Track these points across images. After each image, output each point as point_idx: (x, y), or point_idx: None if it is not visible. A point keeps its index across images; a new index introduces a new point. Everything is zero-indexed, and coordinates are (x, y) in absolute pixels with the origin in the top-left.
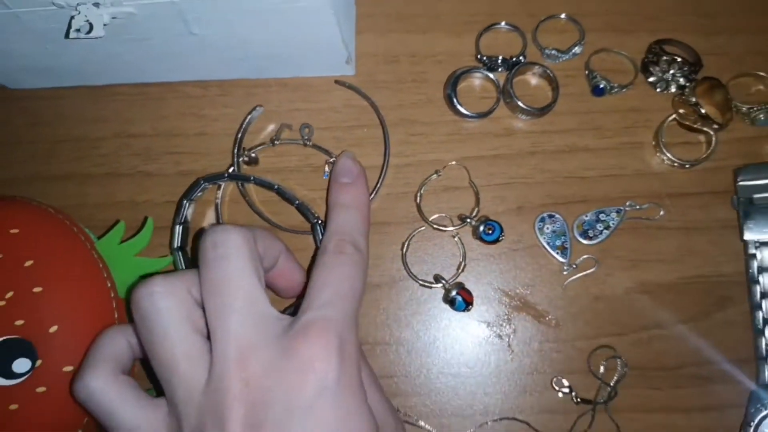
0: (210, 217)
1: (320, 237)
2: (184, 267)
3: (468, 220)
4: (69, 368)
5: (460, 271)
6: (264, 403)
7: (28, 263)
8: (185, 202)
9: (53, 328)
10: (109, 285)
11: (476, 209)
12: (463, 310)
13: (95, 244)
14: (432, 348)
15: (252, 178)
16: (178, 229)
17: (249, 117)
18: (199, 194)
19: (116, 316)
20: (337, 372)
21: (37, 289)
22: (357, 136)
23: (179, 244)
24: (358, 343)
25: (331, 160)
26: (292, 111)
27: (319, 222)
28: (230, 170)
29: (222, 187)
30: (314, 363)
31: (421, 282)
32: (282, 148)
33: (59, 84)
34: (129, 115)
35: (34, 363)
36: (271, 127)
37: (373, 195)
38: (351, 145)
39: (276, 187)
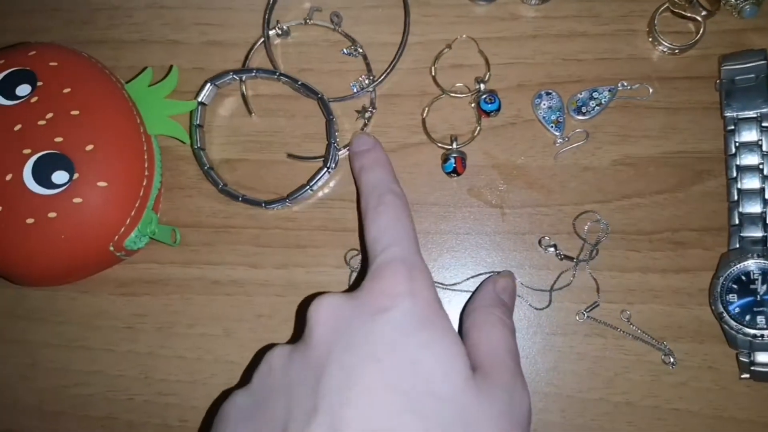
0: (229, 109)
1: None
2: (199, 143)
3: (482, 83)
4: (103, 183)
5: (475, 134)
6: (350, 346)
7: (66, 90)
8: (209, 83)
9: (89, 147)
10: (138, 121)
11: (488, 73)
12: (449, 173)
13: (125, 86)
14: (434, 209)
15: (278, 72)
16: (198, 108)
17: None
18: (227, 82)
19: (145, 147)
20: (410, 299)
21: (74, 112)
22: (373, 15)
23: (198, 122)
24: (429, 274)
25: (354, 47)
26: None
27: (319, 96)
28: (260, 41)
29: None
30: (386, 297)
31: (439, 144)
32: (312, 28)
33: None
34: None
35: (71, 176)
36: (293, 6)
37: (392, 67)
38: (367, 22)
39: (278, 74)
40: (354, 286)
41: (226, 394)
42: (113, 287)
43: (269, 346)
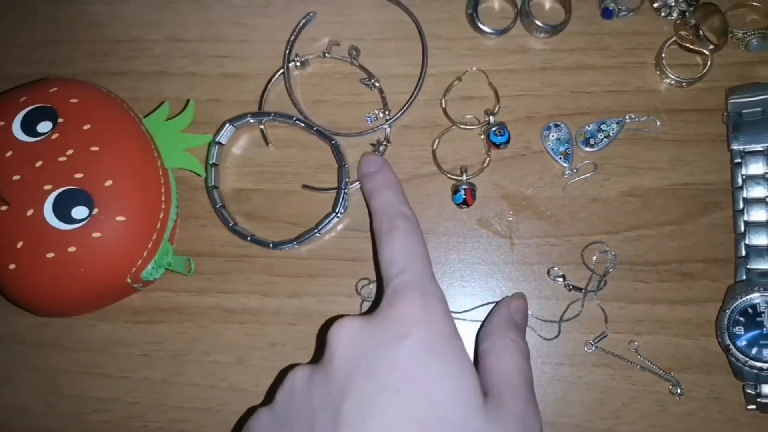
0: (243, 141)
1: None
2: (213, 181)
3: (491, 116)
4: (121, 218)
5: (484, 166)
6: (369, 374)
7: (86, 127)
8: (227, 124)
9: (108, 183)
10: (156, 154)
11: (497, 105)
12: (459, 204)
13: (143, 120)
14: (444, 239)
15: (294, 117)
16: (215, 147)
17: (303, 22)
18: (244, 123)
19: (162, 181)
20: (425, 327)
21: (94, 149)
22: (384, 48)
23: (214, 161)
24: (444, 298)
25: (370, 81)
26: (325, 23)
27: (334, 142)
28: (279, 73)
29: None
30: (402, 324)
31: (449, 175)
32: (327, 60)
33: None
34: (180, 21)
35: (91, 211)
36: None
37: (410, 102)
38: (379, 56)
39: (294, 119)
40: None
41: (250, 412)
42: (129, 315)
43: (291, 366)
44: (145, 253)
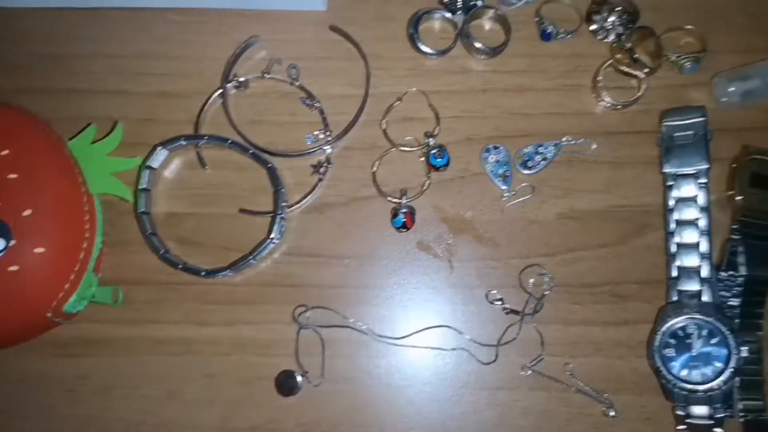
0: (177, 164)
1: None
2: (143, 207)
3: (431, 138)
4: (40, 249)
5: (424, 188)
6: None
7: (4, 152)
8: (159, 147)
9: (27, 212)
10: (80, 180)
11: (437, 127)
12: (398, 228)
13: (67, 143)
14: (383, 262)
15: (229, 140)
16: (145, 172)
17: (244, 45)
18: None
19: (86, 209)
20: None
21: (12, 176)
22: (323, 67)
23: (144, 186)
24: None
25: (311, 101)
26: (266, 41)
27: (269, 165)
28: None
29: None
30: None
31: (389, 198)
32: (269, 81)
33: (47, 4)
34: (112, 36)
35: (7, 243)
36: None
37: (353, 123)
38: (319, 75)
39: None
40: (303, 342)
41: None
42: (54, 348)
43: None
44: (66, 286)
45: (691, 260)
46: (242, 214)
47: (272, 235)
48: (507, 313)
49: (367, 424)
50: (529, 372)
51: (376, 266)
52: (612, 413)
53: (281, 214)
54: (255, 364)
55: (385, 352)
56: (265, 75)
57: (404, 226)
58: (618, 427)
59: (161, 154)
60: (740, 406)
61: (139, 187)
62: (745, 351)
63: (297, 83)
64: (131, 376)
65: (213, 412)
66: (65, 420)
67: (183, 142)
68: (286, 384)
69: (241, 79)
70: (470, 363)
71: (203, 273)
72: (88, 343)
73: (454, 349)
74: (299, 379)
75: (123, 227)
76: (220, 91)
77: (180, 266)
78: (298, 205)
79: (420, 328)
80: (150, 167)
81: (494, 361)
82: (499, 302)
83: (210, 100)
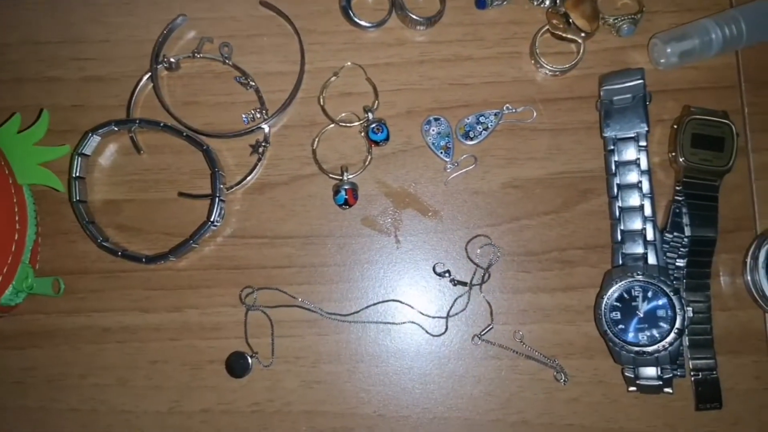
0: (111, 150)
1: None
2: (78, 195)
3: (370, 113)
4: None
5: (366, 164)
6: None
7: None
8: (90, 134)
9: None
10: (6, 171)
11: (376, 101)
12: (341, 205)
13: None
14: (329, 240)
15: (162, 123)
16: (77, 159)
17: (171, 24)
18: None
19: (15, 200)
20: None
21: None
22: (256, 44)
23: (77, 174)
24: None
25: (245, 79)
26: (195, 20)
27: (205, 147)
28: (146, 76)
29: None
30: None
31: (330, 175)
32: (201, 61)
33: None
34: (35, 22)
35: None
36: (185, 36)
37: (289, 101)
38: (252, 53)
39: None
40: (251, 324)
41: None
42: None
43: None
44: (0, 279)
45: (635, 223)
46: (181, 198)
47: (212, 218)
48: (455, 285)
49: (320, 401)
50: (480, 342)
51: (321, 244)
52: (563, 378)
53: (220, 196)
54: (203, 347)
55: (334, 329)
56: (196, 54)
57: (347, 203)
58: (570, 391)
59: (93, 141)
60: (691, 365)
61: (73, 175)
62: (690, 311)
63: (230, 62)
64: (79, 365)
65: (164, 397)
66: (15, 413)
67: (114, 128)
68: (236, 366)
69: (172, 59)
70: (420, 336)
71: (144, 259)
72: (32, 335)
73: (403, 323)
74: (249, 360)
75: (59, 217)
76: (150, 73)
77: (120, 254)
78: (237, 186)
79: (368, 304)
80: (83, 154)
81: (444, 332)
82: (447, 274)
83: (141, 83)
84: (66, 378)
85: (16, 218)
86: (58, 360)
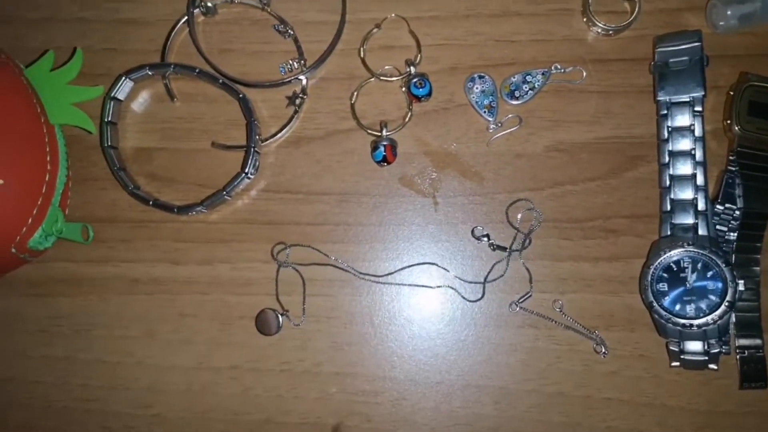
0: (144, 96)
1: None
2: (109, 141)
3: (412, 67)
4: None
5: (407, 120)
6: None
7: None
8: (123, 78)
9: None
10: (39, 110)
11: (419, 55)
12: (379, 162)
13: (24, 71)
14: (364, 199)
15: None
16: (110, 103)
17: None
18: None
19: (46, 139)
20: None
21: None
22: None
23: (109, 119)
24: None
25: (284, 28)
26: None
27: (241, 96)
28: (183, 20)
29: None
30: None
31: (369, 131)
32: (239, 6)
33: None
34: None
35: None
36: None
37: (329, 52)
38: (292, 0)
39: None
40: (282, 281)
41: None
42: (25, 288)
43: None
44: (30, 220)
45: (685, 193)
46: (215, 149)
47: (246, 170)
48: (494, 250)
49: (350, 363)
50: (518, 309)
51: (357, 203)
52: (603, 350)
53: (255, 147)
54: (233, 303)
55: (367, 290)
56: (234, 0)
57: (385, 160)
58: (609, 364)
59: (126, 85)
60: (737, 343)
61: (104, 119)
62: (741, 284)
63: (268, 9)
64: (107, 316)
65: (192, 351)
66: (40, 362)
67: (149, 72)
68: (266, 323)
69: (209, 3)
70: (456, 300)
71: (176, 210)
72: (60, 283)
73: (439, 287)
74: (280, 318)
75: (90, 163)
76: (186, 17)
77: (151, 203)
78: (273, 138)
79: (403, 266)
80: (115, 98)
81: (481, 298)
82: (486, 238)
83: (176, 28)
84: (93, 328)
85: (48, 158)
86: (84, 310)
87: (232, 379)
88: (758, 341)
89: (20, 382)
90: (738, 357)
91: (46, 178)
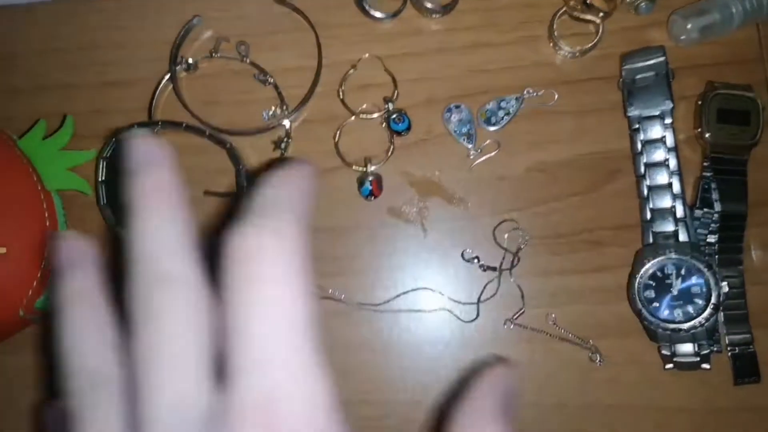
0: None
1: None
2: (104, 200)
3: (390, 103)
4: (1, 250)
5: (389, 154)
6: None
7: None
8: (114, 138)
9: None
10: (35, 178)
11: (395, 92)
12: (366, 196)
13: (17, 142)
14: (356, 232)
15: (184, 124)
16: (102, 163)
17: (187, 26)
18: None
19: (44, 205)
20: None
21: None
22: (273, 41)
23: (103, 178)
24: None
25: (264, 76)
26: (210, 20)
27: (228, 145)
28: (164, 81)
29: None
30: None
31: (354, 168)
32: (215, 59)
33: None
34: (52, 32)
35: None
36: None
37: (309, 95)
38: (269, 50)
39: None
40: None
41: None
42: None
43: None
44: (34, 283)
45: (663, 201)
46: (207, 196)
47: None
48: (484, 270)
49: (353, 391)
50: (512, 326)
51: (348, 236)
52: (598, 359)
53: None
54: None
55: (366, 320)
56: (213, 54)
57: (372, 194)
58: (605, 372)
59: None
60: (727, 340)
61: (99, 179)
62: (725, 286)
63: (248, 60)
64: None
65: None
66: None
67: (137, 130)
68: None
69: (190, 60)
70: (452, 322)
71: None
72: None
73: (434, 310)
74: None
75: (89, 220)
76: (169, 75)
77: None
78: None
79: (398, 293)
80: (108, 158)
81: (476, 318)
82: (476, 260)
83: (160, 85)
84: None
85: (47, 223)
86: None
87: None
88: (747, 336)
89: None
90: (729, 354)
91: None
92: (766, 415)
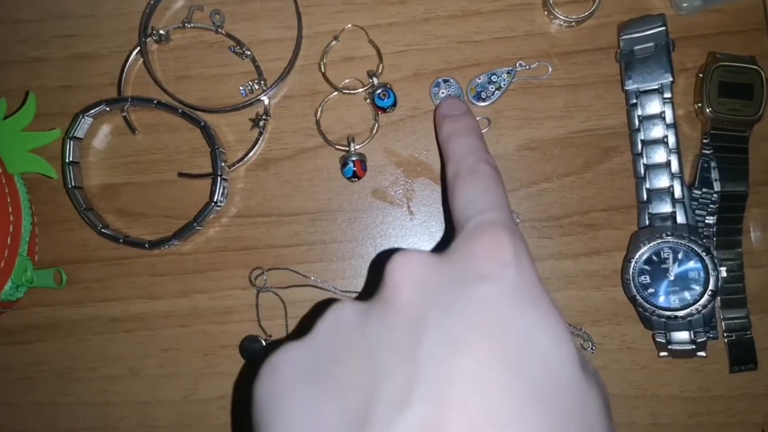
0: (104, 131)
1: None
2: (73, 181)
3: (374, 77)
4: None
5: (374, 132)
6: (452, 312)
7: None
8: (81, 116)
9: None
10: None
11: (380, 65)
12: (350, 178)
13: None
14: (339, 215)
15: (155, 100)
16: (70, 143)
17: None
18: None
19: (6, 190)
20: (517, 270)
21: None
22: (249, 10)
23: (71, 159)
24: (530, 250)
25: (240, 49)
26: None
27: (202, 124)
28: (133, 54)
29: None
30: (488, 262)
31: (337, 146)
32: (189, 30)
33: None
34: (12, 1)
35: None
36: (173, 6)
37: (288, 70)
38: (245, 19)
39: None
40: (263, 306)
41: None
42: (2, 337)
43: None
44: None
45: (661, 181)
46: (181, 179)
47: (215, 198)
48: None
49: None
50: None
51: (331, 220)
52: (590, 346)
53: (222, 174)
54: (215, 333)
55: None
56: (186, 24)
57: (355, 176)
58: (598, 359)
59: (85, 123)
60: (723, 325)
61: (66, 160)
62: (723, 271)
63: (223, 31)
64: (88, 357)
65: (179, 385)
66: (26, 409)
67: (106, 108)
68: (250, 350)
69: (161, 31)
70: None
71: (147, 245)
72: (36, 329)
73: None
74: (264, 343)
75: (55, 205)
76: (139, 48)
77: (121, 240)
78: (240, 163)
79: None
80: (75, 138)
81: None
82: None
83: (130, 59)
84: (75, 371)
85: (10, 209)
86: (65, 353)
87: (221, 408)
88: (745, 321)
89: (6, 431)
90: (726, 341)
91: (10, 230)
92: (762, 402)
